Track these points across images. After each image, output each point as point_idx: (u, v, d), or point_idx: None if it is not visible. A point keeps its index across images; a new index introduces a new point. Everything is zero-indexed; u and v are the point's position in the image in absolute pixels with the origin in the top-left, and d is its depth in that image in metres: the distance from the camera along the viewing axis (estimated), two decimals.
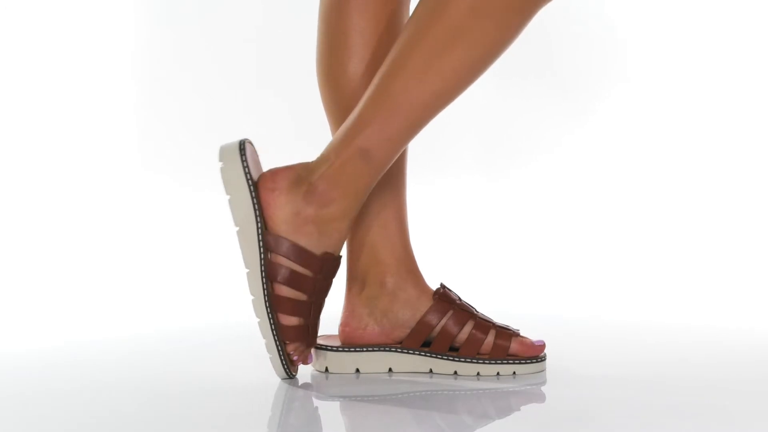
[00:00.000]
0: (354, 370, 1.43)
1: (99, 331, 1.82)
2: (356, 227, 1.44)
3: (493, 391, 1.36)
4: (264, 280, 1.33)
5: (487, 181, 2.63)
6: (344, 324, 1.44)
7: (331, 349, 1.43)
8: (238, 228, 1.33)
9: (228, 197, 1.33)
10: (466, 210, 2.53)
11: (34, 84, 2.62)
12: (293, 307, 1.35)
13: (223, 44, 2.69)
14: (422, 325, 1.42)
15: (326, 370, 1.43)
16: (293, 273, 1.34)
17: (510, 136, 2.71)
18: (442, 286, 1.45)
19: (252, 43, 2.66)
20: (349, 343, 1.44)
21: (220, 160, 1.35)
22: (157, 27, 2.69)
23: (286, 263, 1.34)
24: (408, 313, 1.43)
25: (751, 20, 2.67)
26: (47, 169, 2.56)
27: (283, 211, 1.34)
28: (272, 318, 1.34)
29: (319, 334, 1.45)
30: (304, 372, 1.45)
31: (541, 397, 1.36)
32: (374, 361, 1.42)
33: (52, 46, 2.63)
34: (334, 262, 1.36)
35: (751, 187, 2.53)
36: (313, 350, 1.43)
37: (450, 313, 1.42)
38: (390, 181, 1.44)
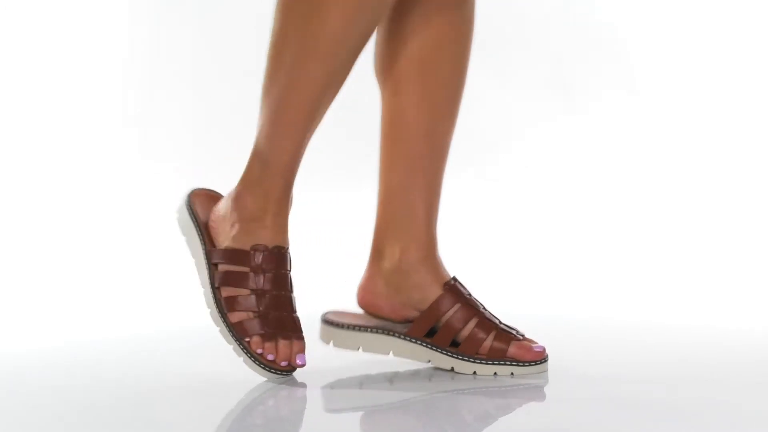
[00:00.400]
0: (357, 348, 1.47)
1: (99, 331, 1.82)
2: (385, 203, 1.49)
3: (494, 390, 1.36)
4: (212, 289, 1.41)
5: (485, 181, 2.63)
6: (361, 287, 1.50)
7: (340, 326, 1.47)
8: (194, 260, 1.46)
9: (184, 238, 1.50)
10: (465, 209, 2.53)
11: (33, 83, 2.62)
12: (236, 303, 1.39)
13: (223, 43, 2.68)
14: (429, 312, 1.44)
15: (331, 344, 1.48)
16: (228, 272, 1.40)
17: (509, 135, 2.71)
18: (454, 279, 1.46)
19: (251, 40, 2.66)
20: (364, 305, 1.49)
21: (176, 214, 1.56)
22: (156, 25, 2.69)
23: (222, 267, 1.41)
24: (417, 296, 1.45)
25: (751, 19, 2.67)
26: (47, 169, 2.56)
27: (221, 227, 1.44)
28: (225, 321, 1.39)
29: (338, 310, 1.51)
30: (307, 376, 1.45)
31: (541, 397, 1.36)
32: (377, 343, 1.45)
33: (51, 45, 2.63)
34: (271, 253, 1.40)
35: (750, 186, 2.53)
36: (323, 333, 1.49)
37: (457, 306, 1.43)
38: (419, 166, 1.47)
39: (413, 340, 1.44)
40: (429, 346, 1.43)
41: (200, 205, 1.51)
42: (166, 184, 2.57)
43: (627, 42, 2.71)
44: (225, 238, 1.43)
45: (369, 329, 1.46)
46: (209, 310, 1.41)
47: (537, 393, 1.37)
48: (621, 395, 1.33)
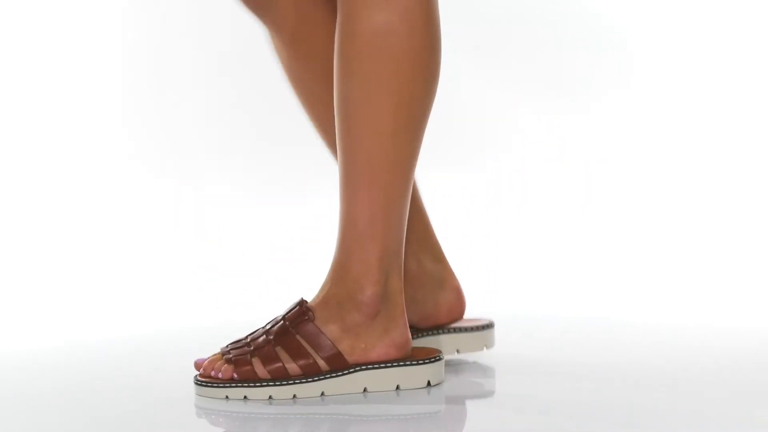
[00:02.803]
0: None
1: (99, 331, 1.82)
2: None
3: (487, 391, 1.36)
4: None
5: (483, 180, 2.62)
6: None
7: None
8: None
9: None
10: (464, 209, 2.52)
11: (32, 83, 2.61)
12: None
13: (223, 42, 2.68)
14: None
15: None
16: None
17: (507, 134, 2.71)
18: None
19: (252, 40, 2.66)
20: None
21: None
22: (156, 25, 2.69)
23: None
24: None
25: (751, 18, 2.67)
26: (47, 170, 2.55)
27: None
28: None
29: None
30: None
31: (539, 398, 1.36)
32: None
33: (50, 45, 2.63)
34: None
35: (750, 185, 2.53)
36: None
37: None
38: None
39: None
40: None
41: None
42: (166, 184, 2.57)
43: (627, 40, 2.71)
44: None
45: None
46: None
47: (533, 395, 1.37)
48: (617, 395, 1.33)
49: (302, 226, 2.49)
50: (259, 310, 1.61)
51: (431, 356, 1.38)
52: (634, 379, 1.41)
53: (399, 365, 1.36)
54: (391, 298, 1.37)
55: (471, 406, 1.33)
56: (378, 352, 1.36)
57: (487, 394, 1.42)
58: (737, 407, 1.27)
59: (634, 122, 2.67)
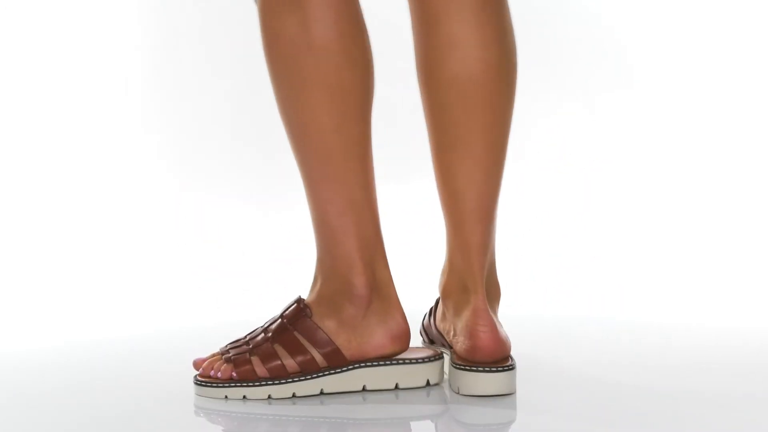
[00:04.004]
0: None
1: (99, 331, 1.82)
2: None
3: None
4: None
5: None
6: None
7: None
8: None
9: None
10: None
11: (32, 83, 2.62)
12: None
13: (225, 43, 2.68)
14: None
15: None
16: None
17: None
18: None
19: (253, 41, 2.66)
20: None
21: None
22: (159, 25, 2.69)
23: None
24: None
25: (750, 15, 2.67)
26: (47, 170, 2.55)
27: None
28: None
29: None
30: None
31: (538, 401, 1.36)
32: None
33: (49, 45, 2.63)
34: None
35: (750, 186, 2.53)
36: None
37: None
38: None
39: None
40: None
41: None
42: (166, 185, 2.57)
43: (628, 41, 2.71)
44: None
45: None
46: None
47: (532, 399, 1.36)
48: (613, 396, 1.33)
49: (302, 227, 2.48)
50: (258, 310, 1.61)
51: (431, 355, 1.37)
52: (634, 379, 1.41)
53: (399, 363, 1.36)
54: (383, 289, 1.37)
55: (471, 405, 1.33)
56: (374, 344, 1.36)
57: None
58: (737, 408, 1.28)
59: (635, 123, 2.67)
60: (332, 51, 1.33)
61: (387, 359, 1.37)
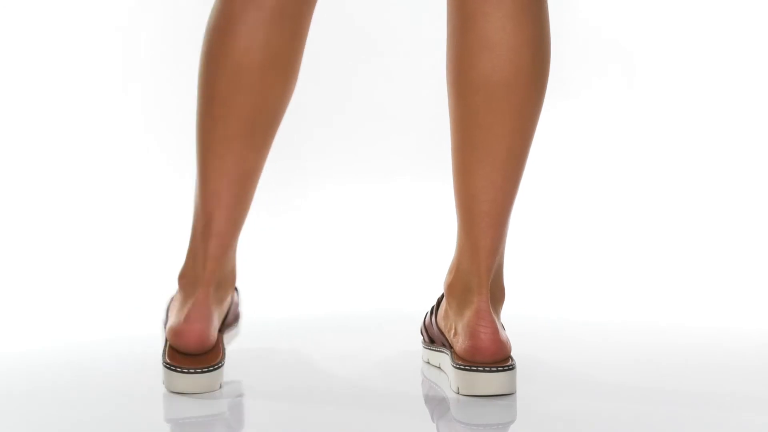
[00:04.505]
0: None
1: (99, 331, 1.82)
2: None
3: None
4: None
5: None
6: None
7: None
8: None
9: None
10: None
11: (31, 83, 2.62)
12: None
13: None
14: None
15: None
16: None
17: None
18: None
19: None
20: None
21: None
22: (161, 25, 2.69)
23: None
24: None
25: (747, 10, 2.67)
26: (47, 170, 2.55)
27: None
28: None
29: None
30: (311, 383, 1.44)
31: (536, 403, 1.36)
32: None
33: (49, 45, 2.63)
34: None
35: (750, 186, 2.53)
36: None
37: None
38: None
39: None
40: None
41: None
42: (166, 184, 2.57)
43: (627, 42, 2.71)
44: None
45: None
46: None
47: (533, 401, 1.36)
48: (612, 397, 1.33)
49: (301, 227, 2.49)
50: (258, 311, 1.61)
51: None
52: (634, 379, 1.41)
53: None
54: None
55: (471, 405, 1.33)
56: None
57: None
58: (737, 408, 1.27)
59: (635, 122, 2.67)
60: (248, 75, 1.33)
61: None
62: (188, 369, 1.33)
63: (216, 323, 1.37)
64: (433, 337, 1.47)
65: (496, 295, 1.41)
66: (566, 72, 2.72)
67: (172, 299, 1.46)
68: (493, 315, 1.36)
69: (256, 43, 1.32)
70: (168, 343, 1.37)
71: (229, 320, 1.44)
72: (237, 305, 1.49)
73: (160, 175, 2.59)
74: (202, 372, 1.33)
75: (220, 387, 1.35)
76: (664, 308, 1.94)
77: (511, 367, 1.33)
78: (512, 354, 1.36)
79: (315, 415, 1.30)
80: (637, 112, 2.67)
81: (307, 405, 1.33)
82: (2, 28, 2.61)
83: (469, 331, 1.34)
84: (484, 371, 1.32)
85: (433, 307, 1.50)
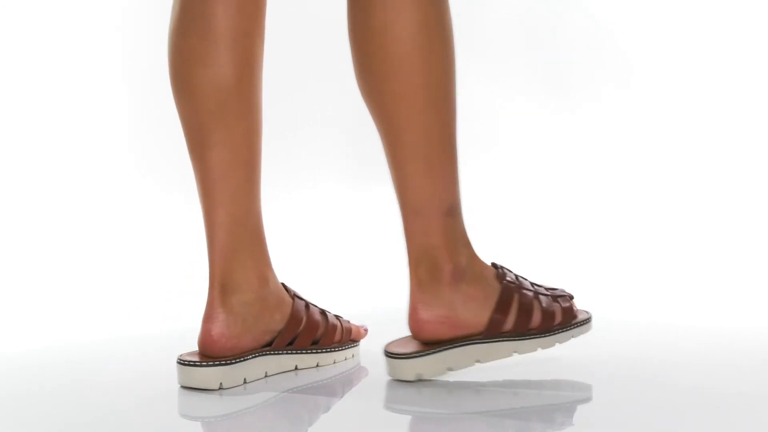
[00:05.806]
0: (242, 381, 1.40)
1: (98, 331, 1.82)
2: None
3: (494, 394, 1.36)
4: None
5: (476, 177, 2.63)
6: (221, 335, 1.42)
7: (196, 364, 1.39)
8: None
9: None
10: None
11: (33, 86, 2.62)
12: None
13: None
14: (292, 323, 1.46)
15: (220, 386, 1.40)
16: None
17: (497, 131, 2.71)
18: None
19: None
20: (224, 353, 1.40)
21: None
22: (161, 26, 2.69)
23: None
24: (278, 316, 1.45)
25: (746, 13, 2.67)
26: (47, 172, 2.56)
27: None
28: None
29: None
30: (311, 378, 1.45)
31: (536, 398, 1.36)
32: (256, 368, 1.42)
33: (49, 45, 2.63)
34: None
35: (750, 186, 2.53)
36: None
37: (309, 309, 1.49)
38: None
39: (279, 352, 1.45)
40: (294, 352, 1.47)
41: None
42: (166, 185, 2.57)
43: (621, 37, 2.71)
44: None
45: (243, 358, 1.41)
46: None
47: (531, 395, 1.37)
48: (611, 397, 1.34)
49: (302, 227, 2.49)
50: None
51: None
52: (634, 380, 1.41)
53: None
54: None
55: (471, 404, 1.33)
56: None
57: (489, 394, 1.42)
58: (737, 408, 1.28)
59: (635, 123, 2.67)
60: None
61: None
62: (187, 361, 1.38)
63: (229, 328, 1.39)
64: None
65: (434, 273, 1.44)
66: (566, 72, 2.72)
67: None
68: (420, 292, 1.40)
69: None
70: None
71: (299, 342, 1.47)
72: (337, 331, 1.51)
73: (160, 175, 2.59)
74: (195, 366, 1.37)
75: (220, 387, 1.36)
76: (663, 308, 1.94)
77: (404, 356, 1.37)
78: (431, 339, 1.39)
79: (315, 415, 1.30)
80: (637, 112, 2.68)
81: (306, 405, 1.33)
82: (2, 28, 2.61)
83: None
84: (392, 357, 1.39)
85: None
